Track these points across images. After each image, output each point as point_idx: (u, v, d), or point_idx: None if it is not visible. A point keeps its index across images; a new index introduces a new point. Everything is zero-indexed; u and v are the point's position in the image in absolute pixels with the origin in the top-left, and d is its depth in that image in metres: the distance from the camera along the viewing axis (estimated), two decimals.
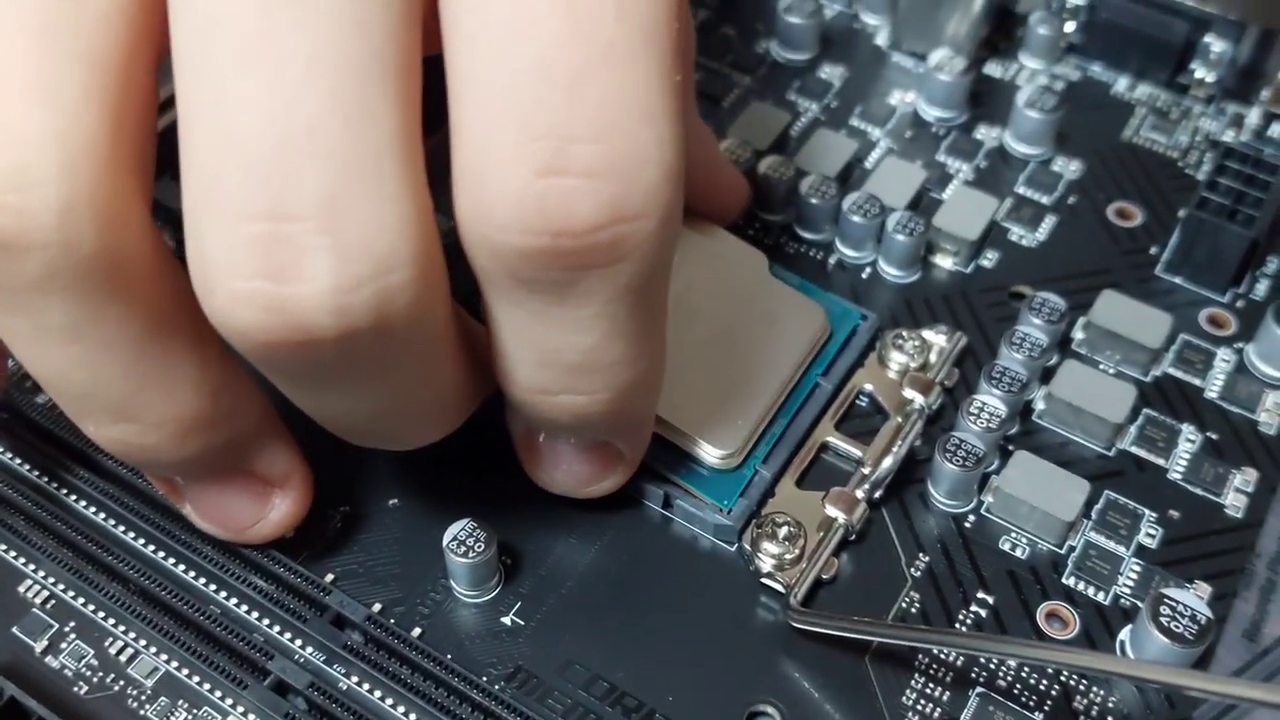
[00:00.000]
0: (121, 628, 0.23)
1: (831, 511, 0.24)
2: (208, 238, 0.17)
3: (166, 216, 0.25)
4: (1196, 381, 0.28)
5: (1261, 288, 0.30)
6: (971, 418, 0.25)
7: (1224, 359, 0.28)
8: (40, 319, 0.18)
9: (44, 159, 0.16)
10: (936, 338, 0.27)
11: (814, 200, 0.29)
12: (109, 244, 0.17)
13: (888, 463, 0.25)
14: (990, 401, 0.25)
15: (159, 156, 0.19)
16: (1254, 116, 0.33)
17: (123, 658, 0.22)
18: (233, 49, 0.16)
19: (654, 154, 0.17)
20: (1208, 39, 0.33)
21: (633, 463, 0.24)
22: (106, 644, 0.23)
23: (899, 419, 0.26)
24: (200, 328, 0.18)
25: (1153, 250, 0.30)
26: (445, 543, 0.23)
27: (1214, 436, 0.27)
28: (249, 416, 0.21)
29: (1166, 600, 0.23)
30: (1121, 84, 0.34)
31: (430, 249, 0.17)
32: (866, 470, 0.25)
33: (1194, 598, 0.23)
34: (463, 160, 0.17)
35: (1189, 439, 0.27)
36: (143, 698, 0.22)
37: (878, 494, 0.25)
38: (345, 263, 0.16)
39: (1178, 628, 0.22)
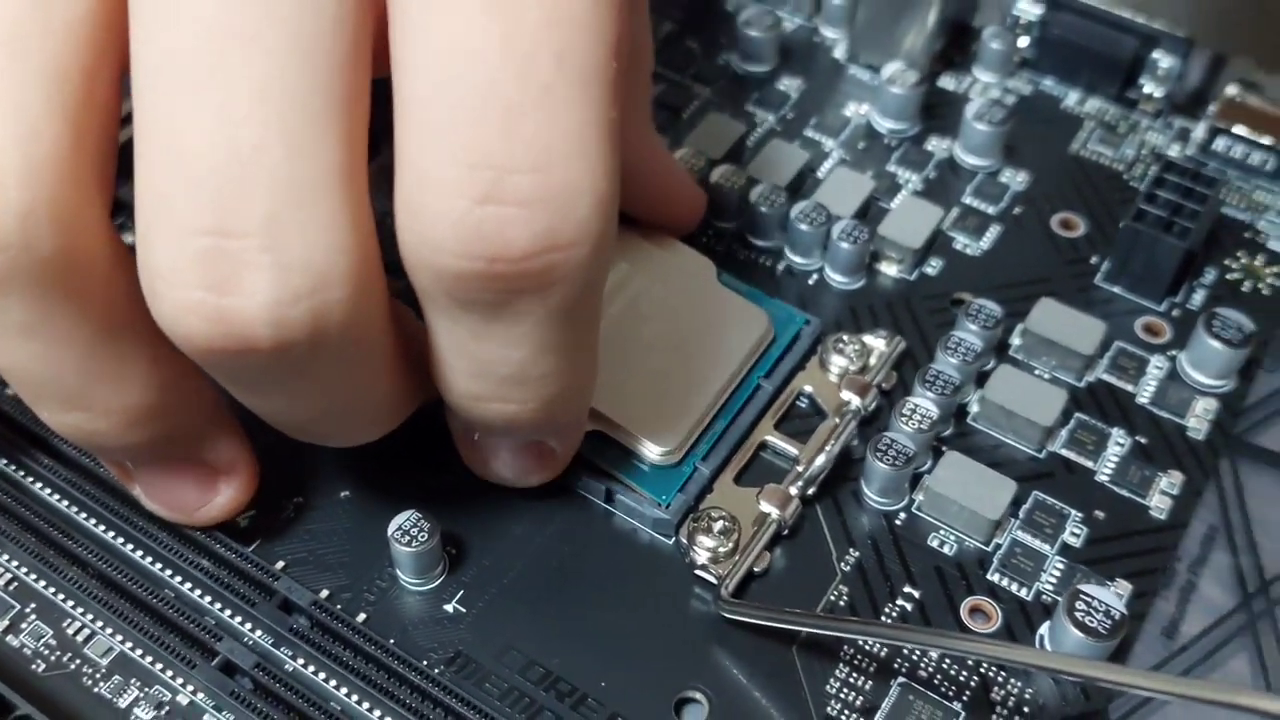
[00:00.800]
0: (80, 609, 0.24)
1: (765, 507, 0.25)
2: (157, 249, 0.18)
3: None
4: (1129, 387, 0.29)
5: (1198, 298, 0.31)
6: (904, 419, 0.26)
7: (1157, 366, 0.29)
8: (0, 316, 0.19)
9: (6, 165, 0.17)
10: (876, 342, 0.28)
11: (763, 208, 0.30)
12: (66, 247, 0.18)
13: (820, 461, 0.26)
14: (923, 404, 0.26)
15: (122, 160, 0.20)
16: (1199, 131, 0.34)
17: (80, 638, 0.23)
18: (186, 76, 0.17)
19: (587, 186, 0.18)
20: (1155, 55, 0.34)
21: (565, 457, 0.25)
22: (65, 624, 0.24)
23: (835, 419, 0.27)
24: (152, 325, 0.19)
25: (1094, 260, 0.31)
26: (390, 532, 0.24)
27: (1143, 441, 0.28)
28: (197, 409, 0.22)
29: (1082, 596, 0.24)
30: (1072, 98, 0.35)
31: (367, 268, 0.18)
32: (801, 468, 0.26)
33: (1109, 594, 0.24)
34: (405, 184, 0.18)
35: (1118, 443, 0.28)
36: (97, 676, 0.23)
37: (811, 491, 0.26)
38: (284, 279, 0.17)
39: (1092, 622, 0.23)
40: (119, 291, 0.19)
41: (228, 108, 0.17)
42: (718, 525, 0.25)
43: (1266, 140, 0.33)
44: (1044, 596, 0.25)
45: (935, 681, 0.24)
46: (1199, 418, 0.28)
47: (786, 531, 0.26)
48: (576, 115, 0.18)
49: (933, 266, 0.31)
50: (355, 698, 0.23)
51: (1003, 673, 0.24)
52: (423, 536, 0.24)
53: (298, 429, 0.22)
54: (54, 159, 0.18)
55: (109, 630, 0.23)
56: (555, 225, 0.18)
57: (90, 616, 0.24)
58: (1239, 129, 0.34)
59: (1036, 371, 0.29)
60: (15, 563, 0.24)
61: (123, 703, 0.23)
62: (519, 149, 0.17)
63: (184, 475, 0.23)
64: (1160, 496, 0.27)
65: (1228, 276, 0.31)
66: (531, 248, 0.18)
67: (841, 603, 0.25)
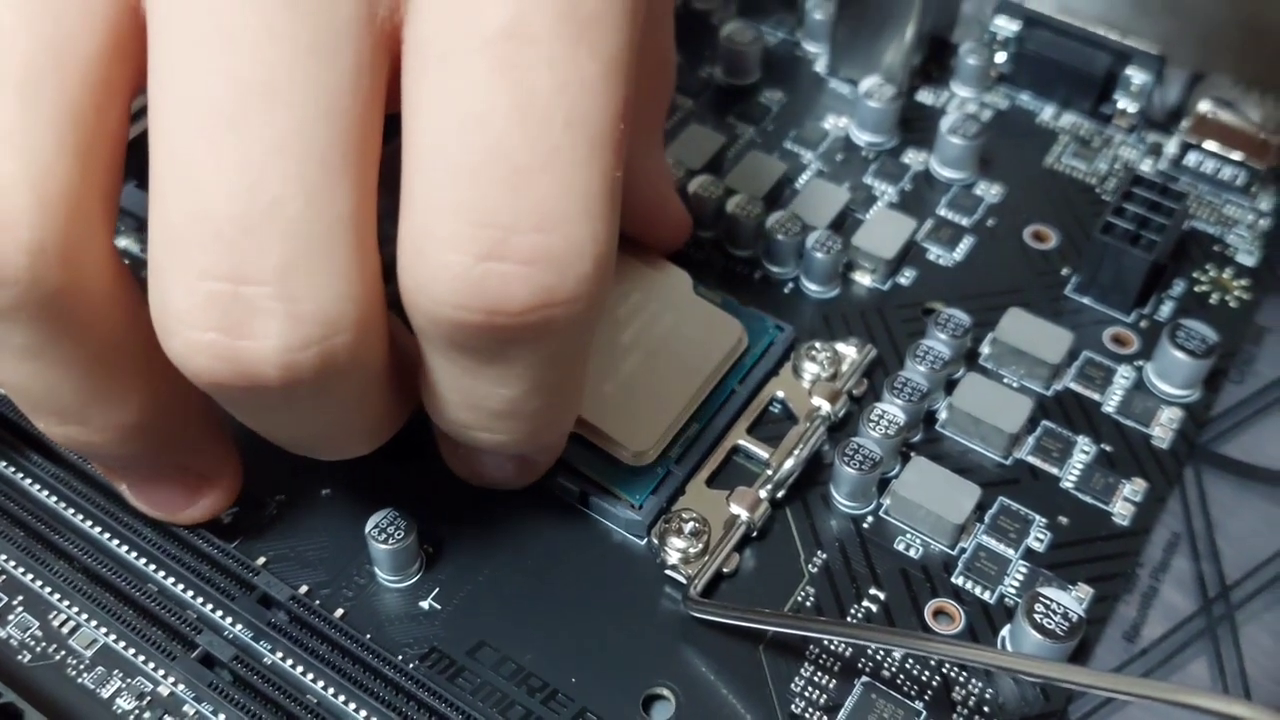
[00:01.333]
0: (65, 602, 0.24)
1: (735, 509, 0.26)
2: (171, 290, 0.18)
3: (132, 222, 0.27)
4: (1096, 396, 0.29)
5: (1166, 309, 0.31)
6: (871, 424, 0.27)
7: (1124, 376, 0.30)
8: (3, 338, 0.19)
9: (18, 204, 0.18)
10: (848, 350, 0.29)
11: (740, 218, 0.31)
12: (72, 280, 0.19)
13: (789, 465, 0.27)
14: (890, 410, 0.27)
15: (127, 163, 0.20)
16: (1172, 146, 0.35)
17: (65, 629, 0.24)
18: (208, 126, 0.18)
19: (588, 248, 0.19)
20: (1129, 71, 0.35)
21: (545, 467, 0.26)
22: (50, 617, 0.24)
23: (805, 425, 0.27)
24: (150, 349, 0.20)
25: (1065, 271, 0.32)
26: (367, 530, 0.24)
27: (1108, 449, 0.28)
28: (188, 425, 0.23)
29: (1041, 599, 0.24)
30: (1048, 113, 0.36)
31: (373, 313, 0.19)
32: (770, 472, 0.27)
33: (1068, 597, 0.24)
34: (410, 231, 0.19)
35: (1084, 450, 0.28)
36: (81, 667, 0.24)
37: (780, 494, 0.27)
38: (296, 325, 0.18)
39: (1049, 624, 0.24)
40: (119, 317, 0.20)
41: (247, 160, 0.17)
42: (688, 527, 0.26)
43: (1236, 156, 0.34)
44: (1007, 600, 0.26)
45: (898, 681, 0.24)
46: (1164, 427, 0.29)
47: (756, 533, 0.26)
48: (582, 178, 0.18)
49: (906, 276, 0.31)
50: (331, 691, 0.23)
51: (964, 673, 0.25)
52: (399, 534, 0.24)
53: (293, 445, 0.23)
54: (65, 197, 0.18)
55: (93, 623, 0.24)
56: (555, 283, 0.18)
57: (75, 609, 0.24)
58: (1210, 144, 0.34)
59: (1005, 380, 0.29)
60: (3, 556, 0.25)
61: (105, 693, 0.23)
62: (524, 209, 0.18)
63: (171, 481, 0.24)
64: (1124, 503, 0.27)
65: (1196, 289, 0.32)
66: (530, 304, 0.18)
67: (808, 604, 0.25)
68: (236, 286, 0.18)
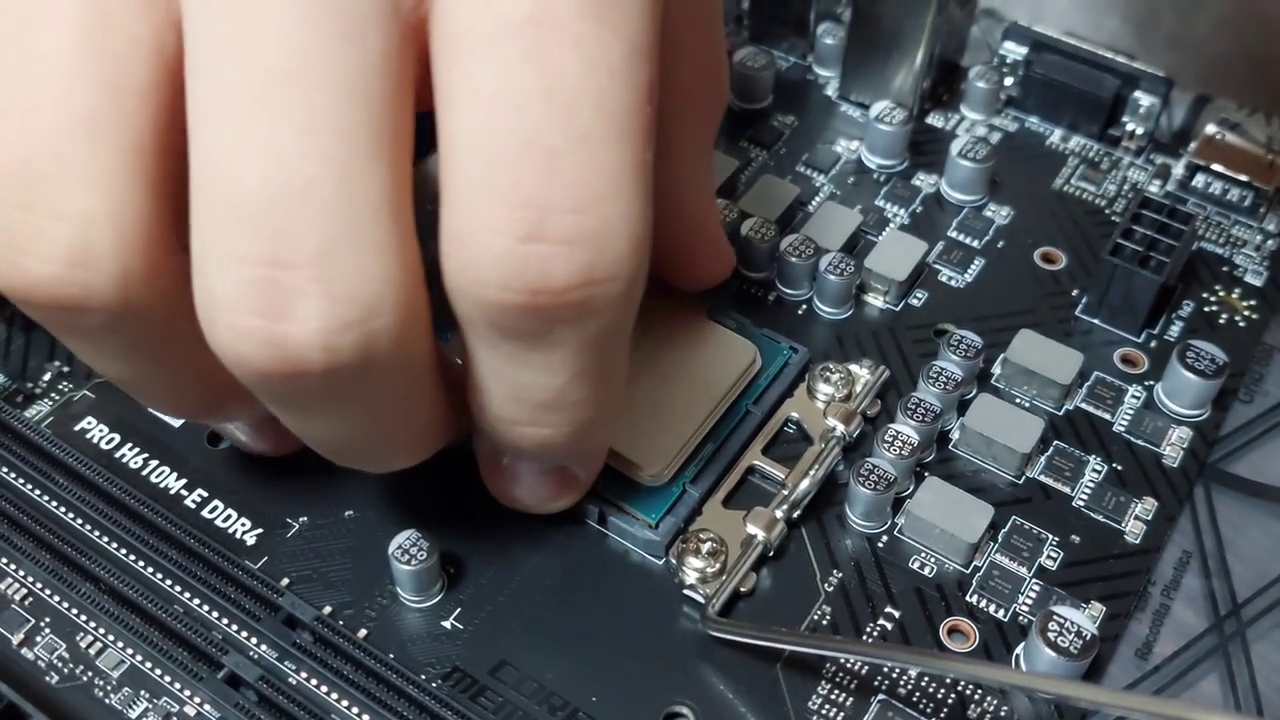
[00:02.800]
0: (92, 623, 0.25)
1: (752, 529, 0.26)
2: (213, 278, 0.19)
3: None
4: (1106, 416, 0.30)
5: (1175, 329, 0.32)
6: (885, 445, 0.27)
7: (1134, 396, 0.30)
8: (100, 345, 0.21)
9: (102, 239, 0.19)
10: (861, 371, 0.29)
11: (754, 241, 0.31)
12: (159, 297, 0.20)
13: (805, 485, 0.27)
14: (904, 430, 0.27)
15: None
16: (1179, 168, 0.35)
17: (92, 651, 0.24)
18: (240, 114, 0.18)
19: (623, 227, 0.19)
20: (1136, 94, 0.35)
21: (586, 485, 0.26)
22: (78, 638, 0.25)
23: (820, 445, 0.28)
24: None
25: (1074, 293, 0.32)
26: (390, 551, 0.25)
27: (1119, 468, 0.29)
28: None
29: (1055, 617, 0.25)
30: (1056, 135, 0.36)
31: (413, 296, 0.19)
32: (786, 492, 0.27)
33: (1081, 615, 0.25)
34: (451, 220, 0.19)
35: (1095, 469, 0.29)
36: (108, 688, 0.24)
37: (796, 514, 0.27)
38: (335, 307, 0.18)
39: (1063, 642, 0.24)
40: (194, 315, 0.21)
41: (281, 143, 0.18)
42: (706, 546, 0.26)
43: (1243, 177, 0.34)
44: (1020, 618, 0.26)
45: (914, 699, 0.25)
46: (1174, 446, 0.29)
47: (772, 553, 0.27)
48: (614, 158, 0.19)
49: (918, 298, 0.32)
50: (356, 710, 0.24)
51: (979, 691, 0.25)
52: (422, 555, 0.25)
53: (340, 452, 0.23)
54: (140, 227, 0.19)
55: (120, 644, 0.24)
56: (593, 261, 0.19)
57: (102, 630, 0.25)
58: (1217, 166, 0.35)
59: (1017, 400, 0.30)
60: (31, 578, 0.25)
61: (133, 714, 0.24)
62: (560, 191, 0.18)
63: (265, 424, 0.26)
64: (1135, 522, 0.28)
65: (1205, 309, 0.32)
66: (571, 282, 0.19)
67: (824, 622, 0.26)
68: (275, 270, 0.18)
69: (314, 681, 0.24)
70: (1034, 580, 0.27)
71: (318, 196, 0.18)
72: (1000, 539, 0.27)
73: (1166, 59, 0.36)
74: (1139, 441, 0.29)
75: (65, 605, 0.25)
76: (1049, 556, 0.27)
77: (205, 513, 0.27)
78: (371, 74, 0.18)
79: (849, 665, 0.25)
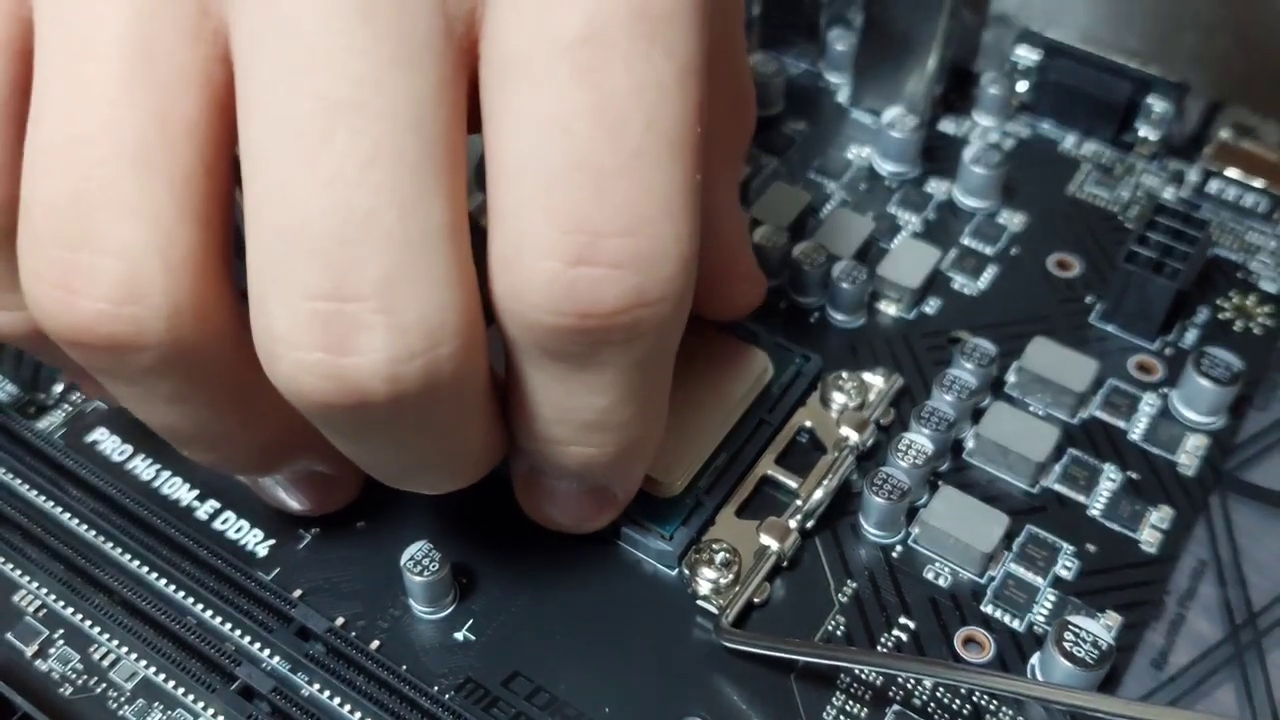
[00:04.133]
0: (106, 635, 0.25)
1: (765, 539, 0.26)
2: (274, 314, 0.19)
3: None
4: (1121, 424, 0.29)
5: (1190, 336, 0.31)
6: (899, 454, 0.27)
7: (1149, 403, 0.30)
8: (150, 390, 0.20)
9: (152, 273, 0.19)
10: (875, 379, 0.29)
11: (766, 249, 0.31)
12: (208, 334, 0.20)
13: (818, 495, 0.27)
14: (918, 440, 0.27)
15: None
16: (1193, 174, 0.35)
17: (105, 662, 0.24)
18: (297, 146, 0.18)
19: (672, 249, 0.19)
20: (1150, 99, 0.35)
21: (623, 505, 0.26)
22: (91, 650, 0.25)
23: (834, 455, 0.28)
24: None
25: (1089, 299, 0.32)
26: (403, 562, 0.25)
27: (1134, 476, 0.28)
28: (312, 439, 0.23)
29: (1071, 627, 0.24)
30: (1069, 141, 0.36)
31: (474, 324, 0.19)
32: (800, 502, 0.27)
33: (1097, 625, 0.25)
34: (500, 242, 0.19)
35: (1110, 478, 0.28)
36: (121, 699, 0.24)
37: (810, 524, 0.27)
38: (400, 338, 0.18)
39: (1079, 653, 0.24)
40: (250, 359, 0.20)
41: (340, 175, 0.18)
42: (719, 557, 0.26)
43: (1259, 183, 0.34)
44: (1036, 627, 0.26)
45: (929, 710, 0.25)
46: (1190, 454, 0.29)
47: (786, 563, 0.26)
48: (664, 180, 0.19)
49: (931, 306, 0.32)
50: None
51: (994, 701, 0.25)
52: (434, 566, 0.25)
53: (398, 478, 0.23)
54: (190, 260, 0.19)
55: (133, 655, 0.24)
56: (643, 284, 0.19)
57: (116, 642, 0.25)
58: (1232, 172, 0.34)
59: (1031, 408, 0.30)
60: (44, 590, 0.25)
61: None
62: (611, 213, 0.18)
63: (305, 482, 0.26)
64: (1151, 531, 0.28)
65: (1220, 316, 0.32)
66: (620, 305, 0.19)
67: (839, 633, 0.26)
68: (338, 304, 0.18)
69: (327, 693, 0.24)
70: (1049, 590, 0.26)
71: (380, 227, 0.18)
72: (1015, 548, 0.27)
73: (1181, 61, 0.36)
74: (1154, 450, 0.29)
75: (78, 617, 0.25)
76: (1064, 566, 0.27)
77: (217, 524, 0.27)
78: (429, 102, 0.18)
79: (863, 676, 0.25)
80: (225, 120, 0.19)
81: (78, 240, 0.19)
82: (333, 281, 0.18)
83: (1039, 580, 0.27)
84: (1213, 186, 0.35)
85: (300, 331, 0.18)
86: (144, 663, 0.24)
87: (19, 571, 0.26)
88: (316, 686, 0.24)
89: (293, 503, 0.26)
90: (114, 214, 0.19)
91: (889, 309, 0.32)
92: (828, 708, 0.24)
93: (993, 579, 0.27)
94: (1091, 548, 0.27)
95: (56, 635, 0.25)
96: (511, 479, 0.25)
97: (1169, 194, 0.35)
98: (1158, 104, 0.35)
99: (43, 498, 0.27)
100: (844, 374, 0.29)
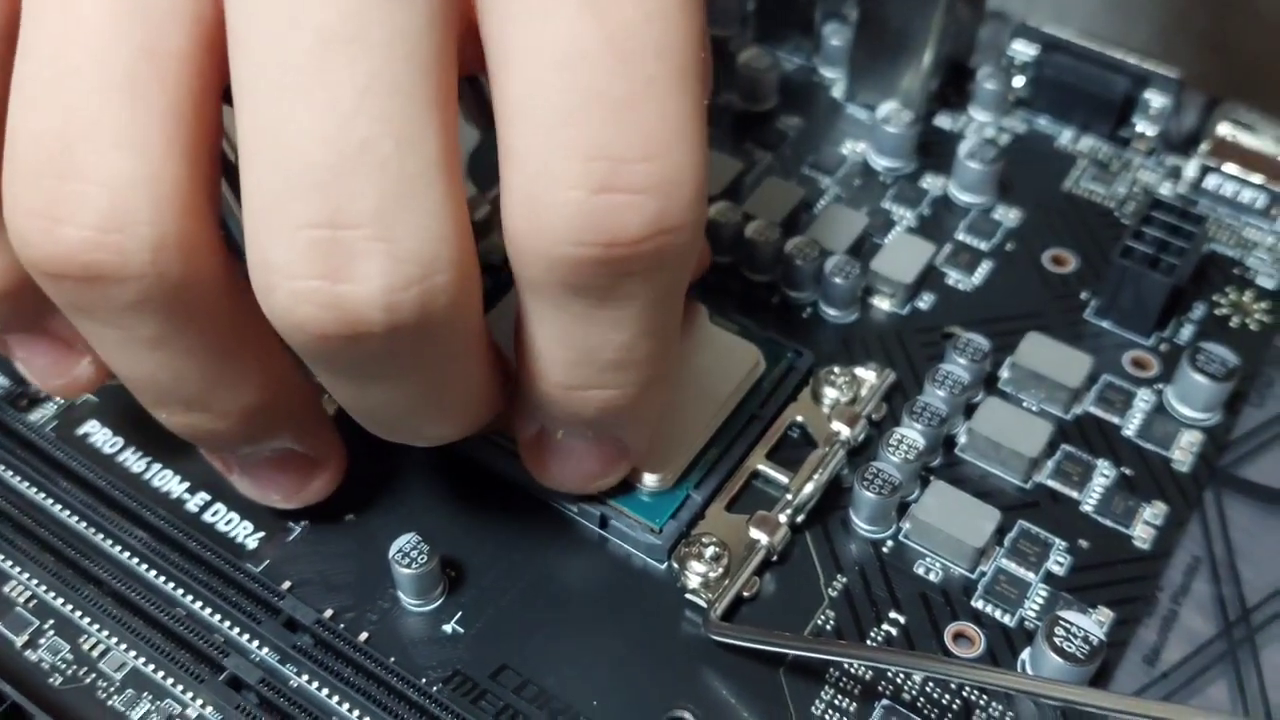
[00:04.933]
0: (96, 626, 0.25)
1: (755, 534, 0.26)
2: (271, 245, 0.19)
3: None
4: (1115, 420, 0.29)
5: (1186, 332, 0.31)
6: (891, 449, 0.27)
7: (1144, 399, 0.30)
8: (130, 332, 0.20)
9: (138, 202, 0.19)
10: (867, 374, 0.29)
11: (759, 244, 0.31)
12: (192, 271, 0.20)
13: (809, 489, 0.27)
14: (909, 434, 0.27)
15: None
16: (1191, 169, 0.35)
17: (95, 653, 0.24)
18: (292, 79, 0.18)
19: (689, 174, 0.19)
20: (1147, 95, 0.35)
21: (634, 459, 0.26)
22: (81, 640, 0.25)
23: (825, 449, 0.28)
24: (263, 332, 0.21)
25: (1084, 295, 0.32)
26: (391, 554, 0.25)
27: (1128, 472, 0.28)
28: (300, 406, 0.24)
29: (1061, 622, 0.24)
30: (1066, 136, 0.36)
31: (469, 254, 0.20)
32: (790, 496, 0.27)
33: (1088, 621, 0.24)
34: (517, 181, 0.19)
35: (1104, 474, 0.28)
36: (111, 689, 0.24)
37: (800, 518, 0.27)
38: (396, 265, 0.19)
39: (1070, 648, 0.24)
40: (234, 302, 0.21)
41: (336, 106, 0.18)
42: (709, 551, 0.26)
43: (1256, 179, 0.34)
44: (1027, 623, 0.26)
45: (918, 705, 0.24)
46: (1184, 450, 0.29)
47: (776, 558, 0.26)
48: (677, 104, 0.19)
49: (925, 301, 0.32)
50: (357, 713, 0.24)
51: (984, 696, 0.25)
52: (422, 559, 0.25)
53: (391, 424, 0.23)
54: (176, 193, 0.19)
55: (123, 646, 0.24)
56: (665, 208, 0.19)
57: (105, 633, 0.25)
58: (1229, 167, 0.34)
59: (1024, 404, 0.30)
60: (35, 581, 0.25)
61: (135, 715, 0.24)
62: (631, 140, 0.19)
63: (283, 465, 0.25)
64: (1144, 527, 0.27)
65: (1216, 312, 0.32)
66: (645, 231, 0.19)
67: (828, 627, 0.26)
68: (335, 231, 0.18)
69: (315, 684, 0.24)
70: (1041, 585, 0.26)
71: (376, 156, 0.18)
72: (1007, 544, 0.27)
73: (1180, 57, 0.36)
74: (1149, 446, 0.29)
75: (68, 608, 0.25)
76: (1056, 562, 0.27)
77: (207, 516, 0.27)
78: (423, 34, 0.19)
79: (853, 670, 0.25)
80: (215, 57, 0.19)
81: (64, 170, 0.19)
82: (329, 210, 0.18)
83: (1030, 576, 0.26)
84: (1210, 182, 0.34)
85: (297, 260, 0.18)
86: (133, 653, 0.24)
87: (10, 563, 0.26)
88: (305, 678, 0.24)
89: (271, 493, 0.26)
90: (101, 144, 0.19)
91: (882, 304, 0.32)
92: (816, 702, 0.24)
93: (984, 574, 0.26)
94: (1084, 543, 0.27)
95: (46, 626, 0.25)
96: (519, 445, 0.25)
97: (1166, 189, 0.35)
98: (1155, 99, 0.35)
99: (34, 490, 0.27)
100: (836, 369, 0.29)
